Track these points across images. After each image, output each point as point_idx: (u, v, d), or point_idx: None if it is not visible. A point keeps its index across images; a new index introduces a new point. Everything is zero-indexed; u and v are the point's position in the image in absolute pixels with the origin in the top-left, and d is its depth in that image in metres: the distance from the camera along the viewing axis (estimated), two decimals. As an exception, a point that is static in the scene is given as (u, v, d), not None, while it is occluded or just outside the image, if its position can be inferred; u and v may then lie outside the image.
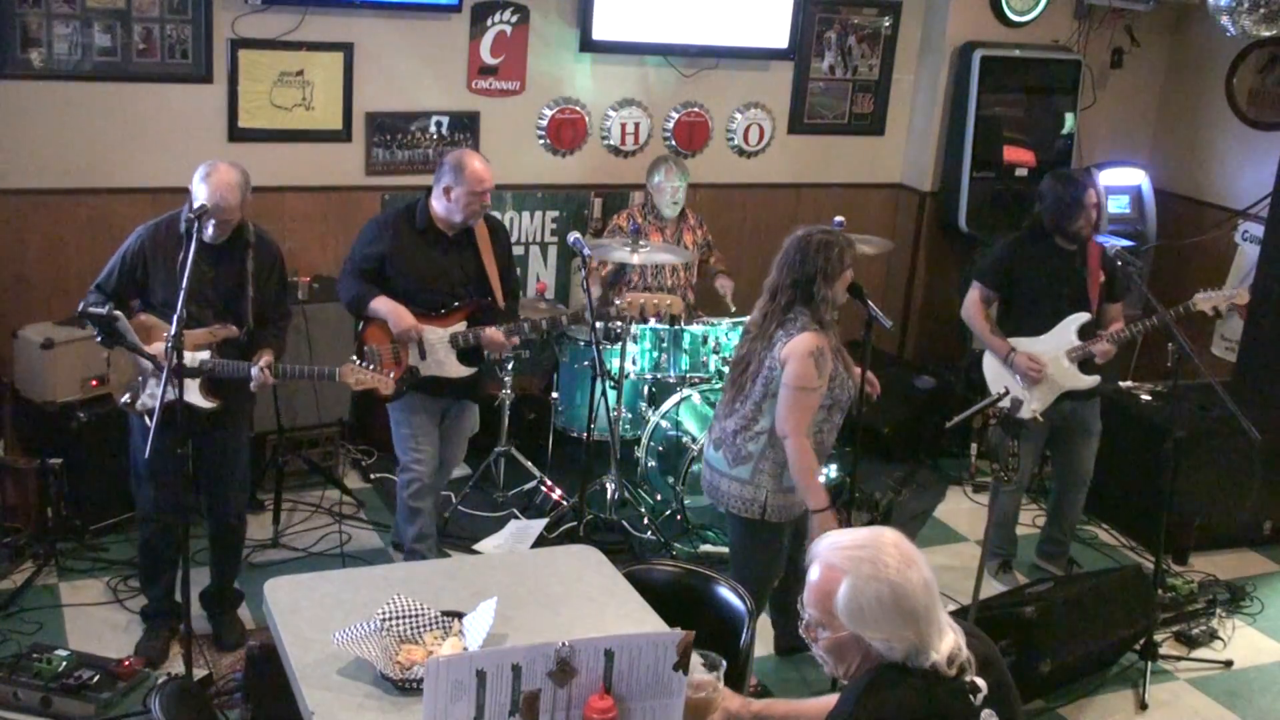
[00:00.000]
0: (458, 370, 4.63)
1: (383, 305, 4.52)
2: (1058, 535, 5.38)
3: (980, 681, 2.24)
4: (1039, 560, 5.42)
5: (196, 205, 3.93)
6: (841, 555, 2.26)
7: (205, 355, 4.03)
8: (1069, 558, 5.43)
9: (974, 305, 5.07)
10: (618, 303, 5.12)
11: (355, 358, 4.31)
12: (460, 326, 4.62)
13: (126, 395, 4.17)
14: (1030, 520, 5.85)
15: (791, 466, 3.96)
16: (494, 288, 4.69)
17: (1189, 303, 4.90)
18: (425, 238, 4.59)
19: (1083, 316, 4.92)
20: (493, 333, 4.60)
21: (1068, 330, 4.93)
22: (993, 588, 5.05)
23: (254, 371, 4.06)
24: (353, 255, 4.66)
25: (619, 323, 5.28)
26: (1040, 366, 4.89)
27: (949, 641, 2.24)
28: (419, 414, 4.67)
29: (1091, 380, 4.95)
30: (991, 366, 5.06)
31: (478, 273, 4.67)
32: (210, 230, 4.00)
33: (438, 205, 4.56)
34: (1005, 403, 4.02)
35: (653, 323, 5.60)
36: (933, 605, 2.23)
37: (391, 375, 4.22)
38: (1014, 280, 5.00)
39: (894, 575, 2.21)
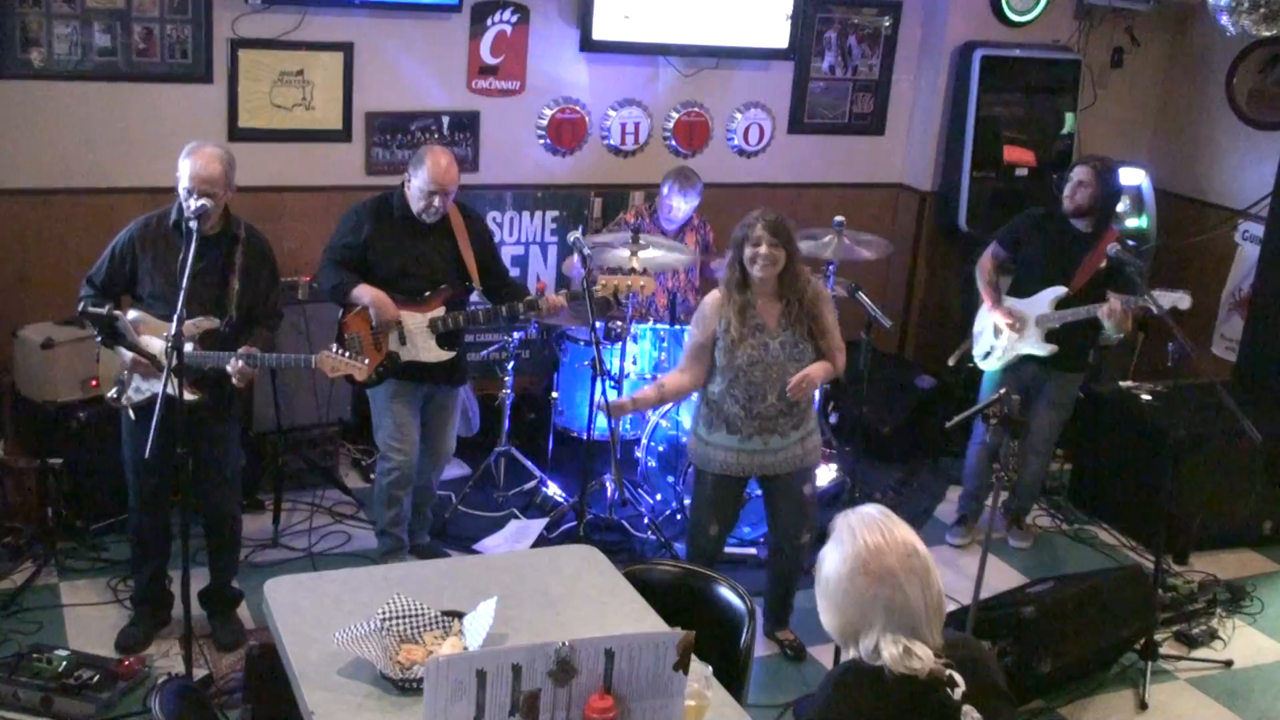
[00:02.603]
0: (437, 355, 4.67)
1: (366, 293, 4.57)
2: (1010, 502, 5.67)
3: (958, 676, 2.22)
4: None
5: (183, 187, 3.98)
6: (845, 520, 2.29)
7: (189, 348, 4.02)
8: (1017, 518, 5.74)
9: (984, 259, 5.45)
10: (594, 288, 5.10)
11: (335, 345, 4.33)
12: (439, 312, 4.67)
13: (114, 390, 4.19)
14: (1031, 520, 5.86)
15: (700, 404, 4.42)
16: (471, 273, 4.74)
17: (1139, 299, 4.90)
18: (403, 225, 4.66)
19: (1059, 290, 5.16)
20: (554, 298, 4.78)
21: (1043, 300, 5.19)
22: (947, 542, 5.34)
23: (230, 364, 4.06)
24: (332, 244, 4.71)
25: (616, 323, 5.28)
26: (1014, 321, 5.24)
27: (900, 648, 2.19)
28: (399, 401, 4.71)
29: (1049, 348, 5.19)
30: (980, 316, 5.48)
31: (455, 259, 4.72)
32: (194, 204, 3.96)
33: (408, 192, 4.63)
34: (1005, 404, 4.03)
35: (652, 322, 5.61)
36: (895, 602, 2.20)
37: (367, 361, 4.22)
38: (1020, 245, 5.34)
39: (859, 554, 2.21)
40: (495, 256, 4.98)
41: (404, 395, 4.72)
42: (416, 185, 4.57)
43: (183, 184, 4.01)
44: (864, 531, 2.24)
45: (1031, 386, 5.31)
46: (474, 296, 4.88)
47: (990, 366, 5.39)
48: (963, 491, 5.73)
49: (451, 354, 4.71)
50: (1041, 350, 5.20)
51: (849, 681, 2.24)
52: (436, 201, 4.57)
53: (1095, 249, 5.11)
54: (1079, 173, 5.15)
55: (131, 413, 4.16)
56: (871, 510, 2.30)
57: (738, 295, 4.22)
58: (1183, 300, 4.87)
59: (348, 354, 4.16)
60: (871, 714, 2.20)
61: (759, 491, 4.60)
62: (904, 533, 2.26)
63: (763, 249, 4.15)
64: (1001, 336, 5.29)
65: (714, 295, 4.32)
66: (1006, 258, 5.40)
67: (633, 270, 4.98)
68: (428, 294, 4.67)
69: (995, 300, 5.33)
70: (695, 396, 4.43)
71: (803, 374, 4.21)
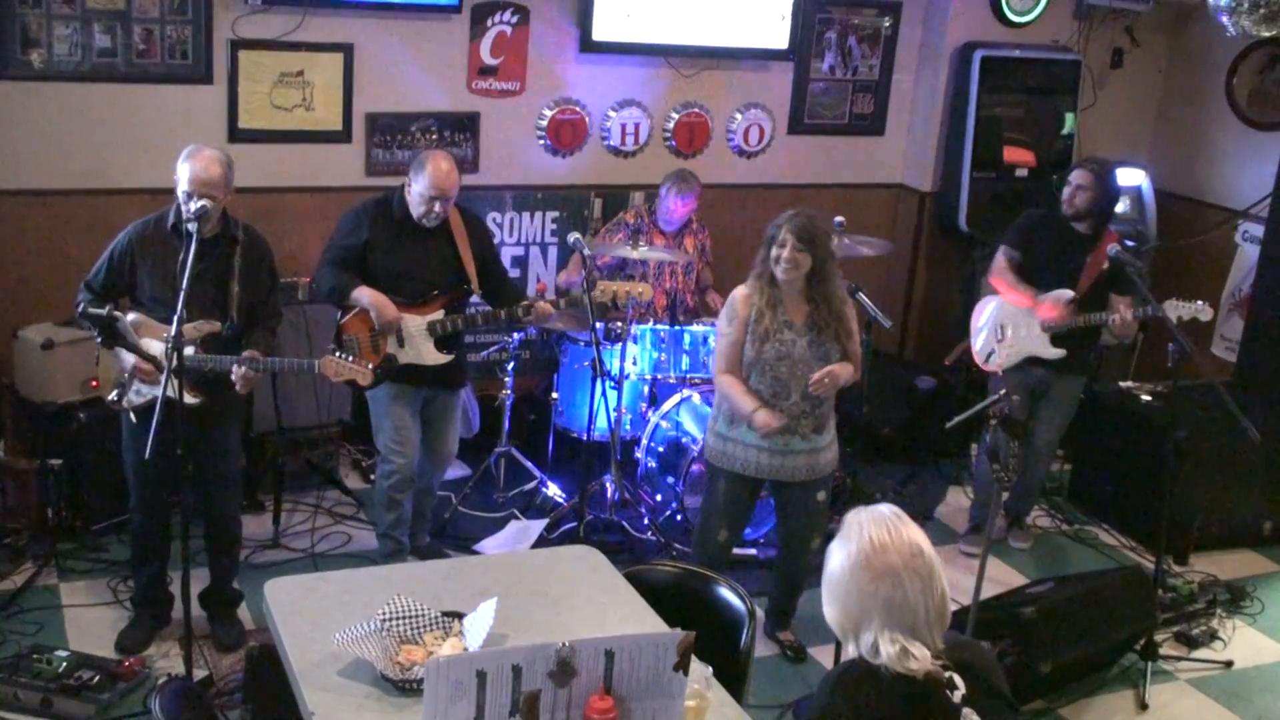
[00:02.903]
0: (435, 358, 4.66)
1: (366, 295, 4.55)
2: (1010, 503, 5.64)
3: (958, 679, 2.23)
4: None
5: (182, 190, 3.98)
6: (855, 516, 2.31)
7: (190, 351, 4.03)
8: (1026, 525, 5.76)
9: (1001, 267, 5.32)
10: (593, 292, 5.11)
11: (334, 347, 4.34)
12: (438, 315, 4.66)
13: (114, 393, 4.19)
14: (1031, 520, 5.86)
15: (722, 400, 4.35)
16: (470, 276, 4.73)
17: (1160, 306, 4.85)
18: (403, 227, 4.64)
19: (1065, 293, 5.13)
20: (543, 305, 4.74)
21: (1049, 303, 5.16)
22: (960, 550, 5.34)
23: (233, 369, 4.06)
24: (331, 245, 4.69)
25: (617, 324, 5.28)
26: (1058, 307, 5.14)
27: (898, 647, 2.20)
28: (398, 404, 4.70)
29: (1057, 352, 5.16)
30: (981, 314, 5.40)
31: (454, 262, 4.71)
32: (194, 206, 3.96)
33: (408, 197, 4.61)
34: (1005, 404, 4.03)
35: (652, 323, 5.61)
36: (895, 600, 2.21)
37: (370, 366, 4.22)
38: (1029, 245, 5.27)
39: (864, 550, 2.23)
40: (495, 259, 4.98)
41: (403, 398, 4.71)
42: (417, 191, 4.55)
43: (182, 187, 4.02)
44: (871, 527, 2.26)
45: (1037, 389, 5.29)
46: (473, 299, 4.87)
47: (992, 367, 5.35)
48: (976, 501, 5.67)
49: (450, 357, 4.71)
50: (1049, 353, 5.17)
51: (849, 681, 2.25)
52: (437, 207, 4.55)
53: (1096, 251, 5.11)
54: (1077, 176, 5.13)
55: (133, 415, 4.16)
56: (884, 509, 2.31)
57: (768, 290, 4.23)
58: (1204, 311, 4.87)
59: (351, 358, 4.16)
60: (871, 714, 2.20)
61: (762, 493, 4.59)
62: (912, 533, 2.27)
63: (786, 252, 4.15)
64: (1005, 338, 5.25)
65: (741, 289, 4.31)
66: (1019, 259, 5.30)
67: (631, 277, 4.97)
68: (431, 295, 4.66)
69: (1035, 296, 5.17)
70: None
71: (826, 370, 4.19)
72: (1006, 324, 5.28)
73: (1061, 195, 5.19)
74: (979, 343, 5.43)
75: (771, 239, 4.21)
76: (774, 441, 4.27)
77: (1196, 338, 5.46)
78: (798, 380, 4.23)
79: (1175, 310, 4.84)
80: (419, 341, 4.64)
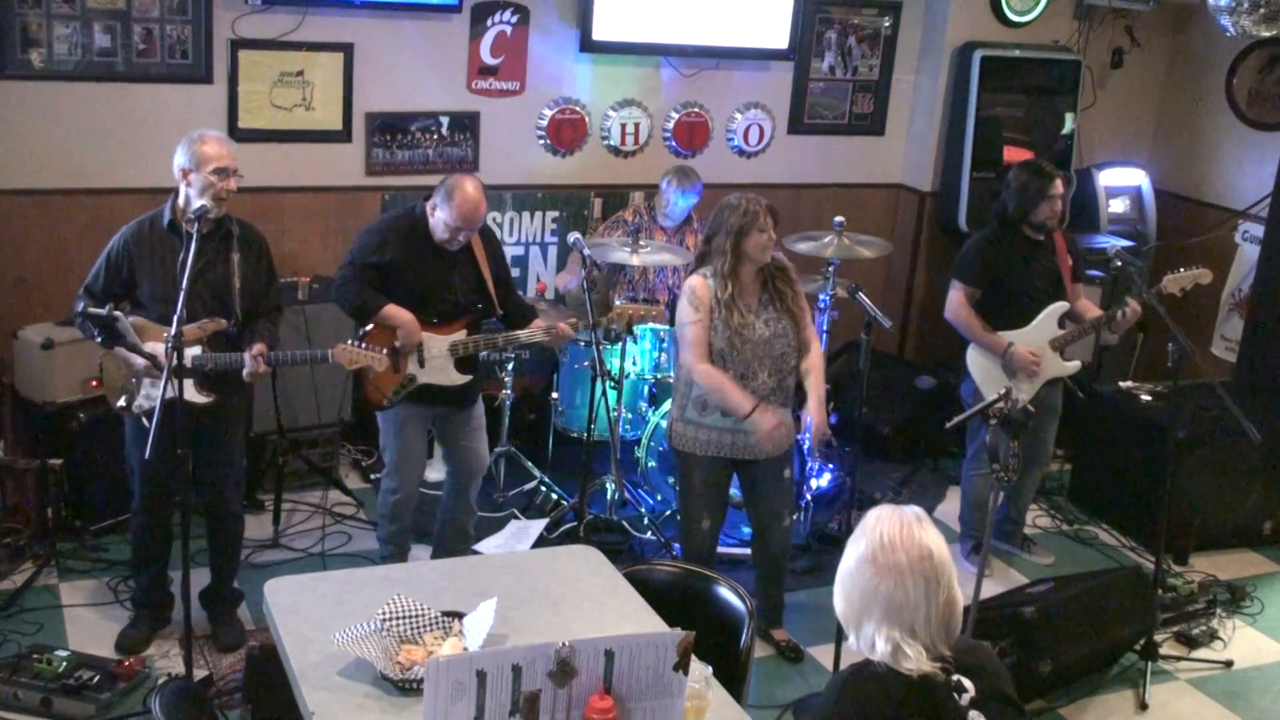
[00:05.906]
0: (455, 379, 4.60)
1: (395, 315, 4.44)
2: (1012, 514, 5.56)
3: (967, 682, 2.23)
4: (995, 540, 5.52)
5: (211, 169, 4.00)
6: (875, 511, 2.32)
7: (197, 350, 4.02)
8: (1024, 535, 5.64)
9: (962, 306, 5.12)
10: (609, 314, 5.15)
11: (350, 339, 4.32)
12: (460, 335, 4.59)
13: (122, 399, 4.17)
14: (1030, 520, 5.86)
15: (707, 394, 4.32)
16: (493, 297, 4.68)
17: (1158, 287, 4.91)
18: (429, 247, 4.53)
19: (1062, 306, 5.08)
20: (563, 327, 4.70)
21: (1050, 320, 5.08)
22: (964, 569, 5.14)
23: (246, 359, 4.06)
24: (353, 262, 4.55)
25: (617, 329, 5.29)
26: (1039, 358, 5.01)
27: (892, 645, 2.21)
28: (409, 426, 4.63)
29: (1074, 366, 5.14)
30: (977, 362, 5.14)
31: (477, 281, 4.65)
32: (197, 205, 3.98)
33: (430, 220, 4.53)
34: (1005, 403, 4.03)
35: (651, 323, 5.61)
36: (896, 599, 2.21)
37: (384, 351, 4.21)
38: (994, 276, 5.10)
39: (873, 545, 2.24)
40: (509, 276, 4.88)
41: (414, 419, 4.64)
42: (441, 218, 4.43)
43: (211, 166, 4.02)
44: (884, 524, 2.27)
45: (1041, 403, 5.13)
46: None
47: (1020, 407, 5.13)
48: (968, 519, 5.48)
49: (469, 378, 4.64)
50: (1067, 370, 5.10)
51: (856, 683, 2.25)
52: (461, 237, 4.48)
53: (1057, 250, 5.09)
54: (1061, 186, 5.02)
55: (144, 419, 4.11)
56: (909, 510, 2.32)
57: (732, 279, 4.26)
58: (1204, 275, 4.93)
59: (365, 345, 4.16)
60: (876, 715, 2.20)
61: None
62: (927, 536, 2.26)
63: (769, 235, 4.23)
64: (1019, 377, 5.02)
65: (701, 280, 4.32)
66: (978, 294, 5.11)
67: (631, 279, 4.97)
68: (455, 315, 4.58)
69: (1005, 343, 5.00)
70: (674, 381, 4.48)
71: (817, 425, 4.36)
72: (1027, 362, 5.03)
73: (1042, 210, 4.96)
74: (990, 390, 5.02)
75: (748, 226, 4.21)
76: (747, 421, 4.29)
77: (1196, 338, 5.46)
78: (761, 360, 4.30)
79: (1177, 283, 4.87)
80: (441, 362, 4.55)
